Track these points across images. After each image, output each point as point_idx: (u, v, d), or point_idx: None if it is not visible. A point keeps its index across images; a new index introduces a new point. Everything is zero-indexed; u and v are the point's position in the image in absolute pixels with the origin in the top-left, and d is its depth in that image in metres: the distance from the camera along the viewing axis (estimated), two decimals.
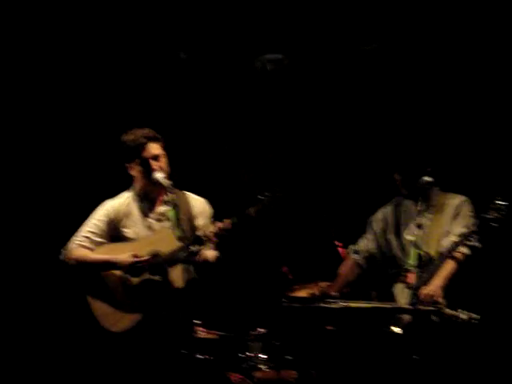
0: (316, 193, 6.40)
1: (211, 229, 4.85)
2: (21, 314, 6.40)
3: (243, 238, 5.00)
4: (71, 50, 6.36)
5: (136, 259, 4.88)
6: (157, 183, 4.93)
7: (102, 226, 5.06)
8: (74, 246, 5.04)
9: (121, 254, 4.96)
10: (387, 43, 6.36)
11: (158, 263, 4.91)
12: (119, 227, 5.07)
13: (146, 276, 4.90)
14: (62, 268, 5.06)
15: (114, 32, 6.32)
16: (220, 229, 4.83)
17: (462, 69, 6.19)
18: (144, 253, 4.94)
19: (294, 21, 6.32)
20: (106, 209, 5.11)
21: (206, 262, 4.99)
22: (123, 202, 5.12)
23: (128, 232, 5.07)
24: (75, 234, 5.08)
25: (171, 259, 4.88)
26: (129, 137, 5.04)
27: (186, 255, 4.68)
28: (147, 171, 4.97)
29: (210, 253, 5.00)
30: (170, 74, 6.56)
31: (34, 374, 6.29)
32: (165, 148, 5.05)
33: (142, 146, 4.98)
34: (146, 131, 5.04)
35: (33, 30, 6.26)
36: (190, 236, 4.78)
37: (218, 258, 4.97)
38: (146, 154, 4.98)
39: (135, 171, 5.06)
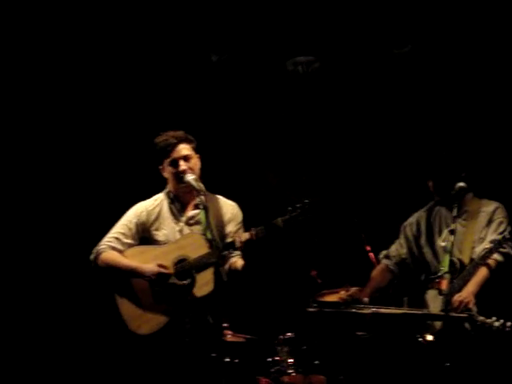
0: (347, 197, 6.37)
1: (240, 237, 4.86)
2: (48, 312, 6.44)
3: (271, 245, 4.97)
4: (103, 53, 6.40)
5: (161, 270, 4.88)
6: (188, 185, 4.92)
7: (133, 227, 5.07)
8: (103, 247, 5.05)
9: (149, 258, 4.97)
10: (419, 47, 6.31)
11: (185, 268, 4.91)
12: (150, 229, 5.08)
13: (174, 280, 4.90)
14: (92, 268, 5.07)
15: (147, 35, 6.33)
16: (247, 239, 4.84)
17: (496, 73, 6.13)
18: (173, 257, 4.95)
19: (326, 23, 6.30)
20: (138, 210, 5.12)
21: (234, 269, 5.02)
22: (155, 204, 5.13)
23: (158, 235, 5.08)
24: (106, 235, 5.10)
25: (199, 265, 4.88)
26: (161, 138, 5.07)
27: (214, 261, 4.66)
28: (177, 172, 4.98)
29: (238, 261, 5.03)
30: (201, 77, 6.55)
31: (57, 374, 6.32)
32: (197, 151, 5.06)
33: (171, 147, 5.00)
34: (178, 133, 5.06)
35: (57, 30, 6.31)
36: (219, 241, 4.76)
37: (245, 267, 4.96)
38: (175, 155, 5.00)
39: (167, 173, 5.07)
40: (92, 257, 5.07)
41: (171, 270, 4.90)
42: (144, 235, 5.09)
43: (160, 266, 4.89)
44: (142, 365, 5.04)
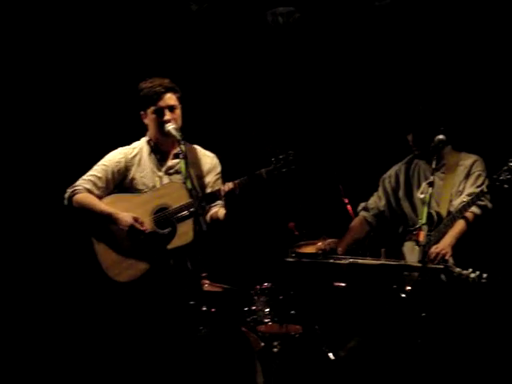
0: (326, 150, 6.37)
1: (222, 188, 4.86)
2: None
3: (253, 196, 4.98)
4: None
5: (135, 223, 4.86)
6: (169, 135, 4.90)
7: (109, 173, 5.04)
8: (79, 188, 5.01)
9: (128, 206, 4.95)
10: None
11: (166, 217, 4.91)
12: (128, 177, 5.06)
13: (154, 228, 4.90)
14: (65, 207, 5.03)
15: None
16: (230, 189, 4.83)
17: (479, 25, 6.11)
18: (152, 205, 4.94)
19: None
20: (116, 157, 5.09)
21: (215, 219, 5.03)
22: (134, 152, 5.10)
23: (137, 183, 5.06)
24: (82, 177, 5.06)
25: (180, 214, 4.88)
26: (147, 84, 5.03)
27: (195, 211, 4.65)
28: (161, 121, 4.95)
29: (220, 210, 5.03)
30: (181, 26, 6.48)
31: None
32: (181, 101, 5.03)
33: (158, 95, 4.97)
34: (165, 81, 5.02)
35: None
36: (199, 191, 4.76)
37: (226, 216, 4.97)
38: (161, 103, 4.97)
39: (149, 120, 5.04)
40: (66, 196, 5.03)
41: (147, 226, 4.88)
42: (121, 183, 5.07)
43: (135, 219, 4.87)
44: (119, 312, 5.06)
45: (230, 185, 4.86)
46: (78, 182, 5.04)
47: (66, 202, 5.03)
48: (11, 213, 6.34)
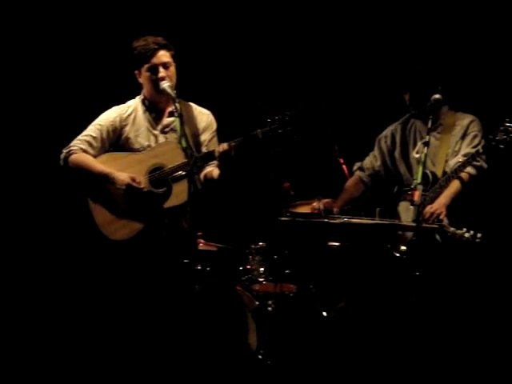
0: (322, 109, 6.34)
1: (217, 149, 4.84)
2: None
3: (249, 156, 4.97)
4: None
5: (132, 183, 4.86)
6: (163, 93, 4.87)
7: (105, 131, 5.02)
8: (75, 148, 4.99)
9: (123, 165, 4.94)
10: None
11: (161, 177, 4.91)
12: (123, 135, 5.04)
13: (149, 188, 4.90)
14: (61, 168, 5.03)
15: None
16: (225, 150, 4.82)
17: None
18: (148, 164, 4.93)
19: None
20: (111, 116, 5.06)
21: (210, 179, 5.02)
22: (129, 110, 5.08)
23: (132, 142, 5.04)
24: (77, 137, 5.05)
25: (175, 174, 4.88)
26: (140, 42, 5.00)
27: (190, 170, 4.64)
28: (155, 78, 4.93)
29: (214, 170, 5.01)
30: None
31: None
32: (175, 59, 5.01)
33: (152, 52, 4.94)
34: (158, 39, 5.00)
35: None
36: (195, 149, 4.75)
37: (221, 176, 4.96)
38: (155, 60, 4.94)
39: (143, 78, 5.01)
40: (62, 156, 5.01)
41: (144, 185, 4.89)
42: (117, 142, 5.05)
43: (133, 179, 4.88)
44: (114, 270, 5.07)
45: (224, 146, 4.83)
46: (73, 143, 5.02)
47: (61, 162, 5.03)
48: (6, 171, 6.33)
